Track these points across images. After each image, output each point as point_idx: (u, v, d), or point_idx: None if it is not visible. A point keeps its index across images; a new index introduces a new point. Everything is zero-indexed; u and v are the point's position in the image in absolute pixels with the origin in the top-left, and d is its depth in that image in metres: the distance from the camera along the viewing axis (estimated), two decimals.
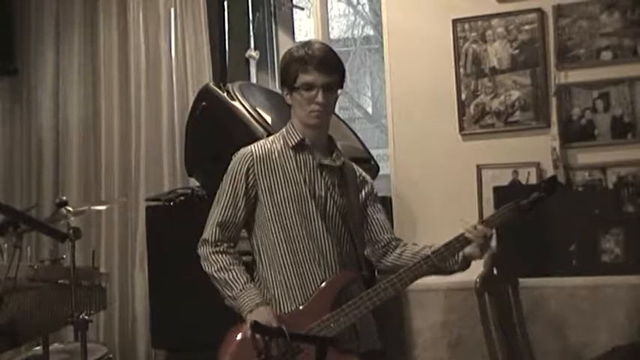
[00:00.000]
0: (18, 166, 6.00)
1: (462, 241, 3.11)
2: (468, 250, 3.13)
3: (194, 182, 5.17)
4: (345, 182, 3.26)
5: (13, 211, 3.48)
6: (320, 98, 3.13)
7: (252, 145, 3.25)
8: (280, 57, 5.76)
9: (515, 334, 4.04)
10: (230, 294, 3.09)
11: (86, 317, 4.09)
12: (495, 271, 3.99)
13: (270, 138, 3.30)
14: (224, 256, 3.14)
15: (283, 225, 3.15)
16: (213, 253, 3.15)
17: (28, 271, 4.12)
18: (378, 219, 3.36)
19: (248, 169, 3.17)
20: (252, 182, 3.17)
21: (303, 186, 3.16)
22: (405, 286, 3.14)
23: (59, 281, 4.20)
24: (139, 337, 5.55)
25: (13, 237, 3.49)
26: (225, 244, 3.17)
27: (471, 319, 4.18)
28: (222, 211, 3.17)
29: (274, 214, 3.15)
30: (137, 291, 5.57)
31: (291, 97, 3.19)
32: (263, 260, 3.20)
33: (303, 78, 3.13)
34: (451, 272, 3.22)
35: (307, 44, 3.21)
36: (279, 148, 3.22)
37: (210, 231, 3.18)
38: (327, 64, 3.16)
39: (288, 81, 3.18)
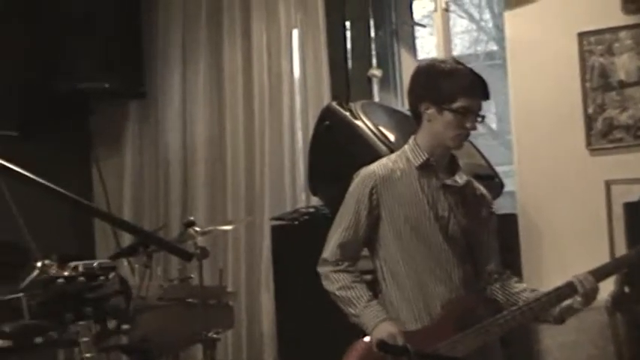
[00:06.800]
0: (147, 187, 6.16)
1: (571, 288, 3.01)
2: (569, 301, 3.04)
3: (315, 201, 5.20)
4: (467, 201, 3.20)
5: (142, 232, 3.58)
6: (473, 124, 3.07)
7: (375, 165, 3.21)
8: (402, 74, 5.83)
9: None
10: (353, 312, 3.08)
11: (214, 335, 4.17)
12: (627, 290, 3.88)
13: (393, 156, 3.24)
14: (345, 274, 3.13)
15: (405, 245, 3.10)
16: (334, 271, 3.13)
17: (158, 290, 4.23)
18: (488, 248, 3.24)
19: (371, 190, 3.12)
20: (375, 202, 3.13)
21: (426, 207, 3.11)
22: (531, 319, 3.09)
23: (187, 300, 4.29)
24: (266, 356, 5.59)
25: (143, 257, 3.59)
26: (346, 263, 3.14)
27: (601, 339, 4.07)
28: (344, 232, 3.15)
29: (396, 235, 3.11)
30: (264, 309, 5.61)
31: (439, 113, 3.07)
32: (387, 279, 3.17)
33: (466, 102, 3.04)
34: (544, 321, 3.15)
35: (464, 66, 3.14)
36: (401, 167, 3.16)
37: (331, 251, 3.16)
38: (487, 92, 3.13)
39: (440, 97, 3.06)
